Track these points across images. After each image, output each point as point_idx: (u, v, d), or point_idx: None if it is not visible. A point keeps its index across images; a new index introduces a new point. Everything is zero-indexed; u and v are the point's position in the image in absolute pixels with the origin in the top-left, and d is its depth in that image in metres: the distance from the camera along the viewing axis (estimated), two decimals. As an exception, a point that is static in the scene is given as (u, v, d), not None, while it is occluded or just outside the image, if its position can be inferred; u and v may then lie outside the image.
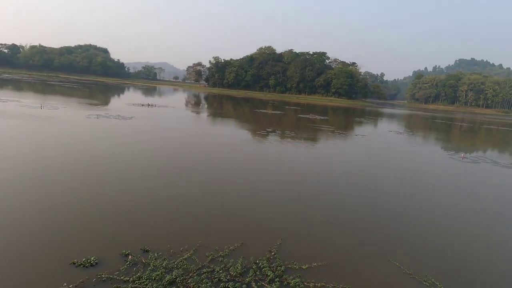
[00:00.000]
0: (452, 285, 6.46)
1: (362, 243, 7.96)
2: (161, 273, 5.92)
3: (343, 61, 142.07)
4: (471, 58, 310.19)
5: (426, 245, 8.14)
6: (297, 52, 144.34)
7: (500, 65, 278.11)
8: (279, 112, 49.29)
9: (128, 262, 6.16)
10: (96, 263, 6.05)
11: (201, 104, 56.77)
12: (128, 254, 6.43)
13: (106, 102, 40.59)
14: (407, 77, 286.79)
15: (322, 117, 45.54)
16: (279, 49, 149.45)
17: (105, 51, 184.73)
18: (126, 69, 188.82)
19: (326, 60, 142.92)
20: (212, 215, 8.72)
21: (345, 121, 46.37)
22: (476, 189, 14.34)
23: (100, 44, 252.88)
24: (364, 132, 32.41)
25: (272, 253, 7.00)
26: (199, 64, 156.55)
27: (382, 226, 9.11)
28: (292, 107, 64.16)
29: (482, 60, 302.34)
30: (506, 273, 7.22)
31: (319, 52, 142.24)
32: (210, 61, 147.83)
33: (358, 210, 10.13)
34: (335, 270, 6.66)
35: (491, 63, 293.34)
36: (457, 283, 6.63)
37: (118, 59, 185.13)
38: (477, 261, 7.63)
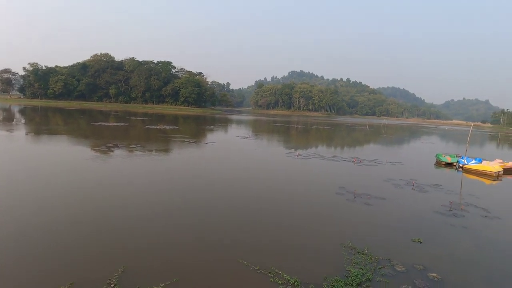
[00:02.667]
0: (293, 270, 7.42)
1: (210, 249, 8.16)
2: None
3: (189, 71, 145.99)
4: (301, 70, 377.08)
5: (269, 240, 9.10)
6: (140, 60, 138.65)
7: (322, 77, 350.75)
8: (123, 123, 45.77)
9: None
10: None
11: (15, 120, 46.26)
12: None
13: None
14: (251, 86, 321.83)
15: (172, 127, 45.13)
16: (118, 57, 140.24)
17: None
18: None
19: (172, 69, 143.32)
20: (41, 252, 7.03)
21: (196, 129, 47.51)
22: (311, 186, 17.28)
23: None
24: (214, 139, 34.03)
25: (112, 286, 6.24)
26: (7, 71, 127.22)
27: (229, 229, 9.64)
28: (139, 118, 60.87)
29: (309, 72, 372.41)
30: (331, 256, 8.88)
31: (164, 61, 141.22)
32: (25, 68, 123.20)
33: (204, 215, 10.38)
34: (186, 284, 6.55)
35: (315, 74, 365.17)
36: (296, 267, 7.69)
37: None
38: (306, 246, 9.10)
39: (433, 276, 7.56)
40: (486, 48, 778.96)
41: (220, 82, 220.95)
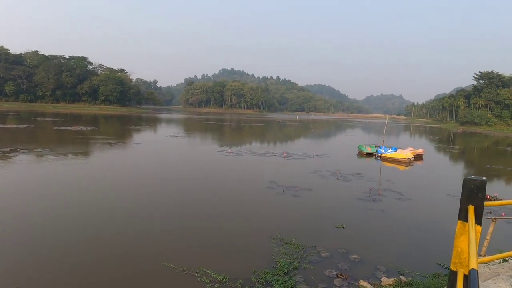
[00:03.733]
0: (222, 268, 7.36)
1: (134, 257, 7.69)
2: None
3: (110, 67, 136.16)
4: (231, 68, 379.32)
5: (199, 241, 8.92)
6: (47, 55, 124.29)
7: (253, 75, 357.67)
8: (27, 125, 40.67)
9: None
10: None
11: None
12: None
13: None
14: (180, 84, 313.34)
15: (90, 128, 41.56)
16: (15, 49, 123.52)
17: None
18: None
19: (89, 66, 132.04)
20: None
21: (119, 130, 44.51)
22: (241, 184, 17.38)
23: None
24: (140, 139, 32.29)
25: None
26: None
27: (155, 236, 9.21)
28: (48, 119, 54.71)
29: (240, 70, 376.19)
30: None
31: (78, 56, 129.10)
32: None
33: (124, 226, 9.77)
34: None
35: (246, 73, 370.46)
36: (226, 265, 7.65)
37: None
38: (236, 243, 9.14)
39: (354, 258, 8.17)
40: (396, 51, 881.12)
41: (146, 79, 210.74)
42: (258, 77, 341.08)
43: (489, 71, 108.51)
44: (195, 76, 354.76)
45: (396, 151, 26.90)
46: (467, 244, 2.47)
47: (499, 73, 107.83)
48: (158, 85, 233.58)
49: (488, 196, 13.36)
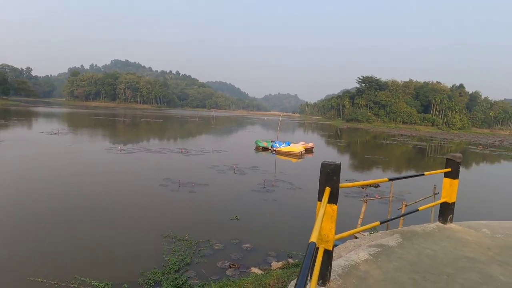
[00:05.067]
0: (105, 274, 6.74)
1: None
2: None
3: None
4: (126, 60, 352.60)
5: (79, 250, 8.00)
6: None
7: (150, 68, 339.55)
8: None
9: None
10: None
11: None
12: None
13: None
14: (62, 74, 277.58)
15: None
16: None
17: None
18: None
19: None
20: None
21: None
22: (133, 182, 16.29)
23: None
24: (4, 136, 27.36)
25: None
26: None
27: (24, 248, 7.92)
28: None
29: (136, 62, 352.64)
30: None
31: None
32: None
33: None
34: None
35: (143, 65, 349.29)
36: (110, 270, 7.03)
37: None
38: (124, 246, 8.53)
39: (247, 247, 8.46)
40: (292, 54, 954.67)
41: (15, 66, 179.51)
42: (156, 71, 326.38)
43: (369, 75, 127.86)
44: (82, 66, 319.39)
45: (289, 145, 29.00)
46: (328, 223, 2.73)
47: (377, 77, 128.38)
48: (34, 73, 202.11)
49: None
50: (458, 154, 4.52)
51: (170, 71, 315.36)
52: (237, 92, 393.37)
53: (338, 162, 2.73)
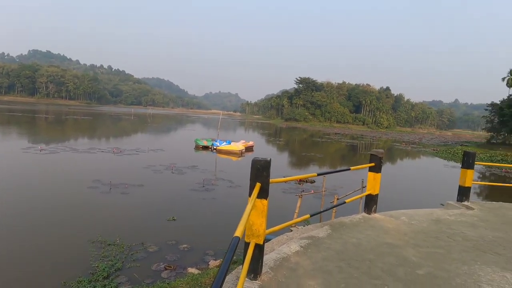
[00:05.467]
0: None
1: None
2: None
3: None
4: (47, 51, 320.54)
5: (-14, 255, 7.09)
6: None
7: (78, 61, 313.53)
8: None
9: None
10: None
11: None
12: None
13: None
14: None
15: None
16: None
17: None
18: None
19: None
20: None
21: None
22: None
23: None
24: None
25: None
26: None
27: None
28: None
29: (59, 54, 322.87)
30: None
31: None
32: None
33: None
34: None
35: (69, 58, 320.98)
36: (25, 283, 6.33)
37: None
38: (45, 255, 7.80)
39: (183, 247, 8.26)
40: (233, 51, 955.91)
41: None
42: (85, 64, 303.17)
43: (306, 77, 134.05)
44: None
45: (230, 144, 29.02)
46: (258, 218, 2.76)
47: (314, 79, 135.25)
48: None
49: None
50: (381, 150, 4.90)
51: (102, 65, 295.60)
52: (176, 89, 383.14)
53: (268, 158, 2.79)
